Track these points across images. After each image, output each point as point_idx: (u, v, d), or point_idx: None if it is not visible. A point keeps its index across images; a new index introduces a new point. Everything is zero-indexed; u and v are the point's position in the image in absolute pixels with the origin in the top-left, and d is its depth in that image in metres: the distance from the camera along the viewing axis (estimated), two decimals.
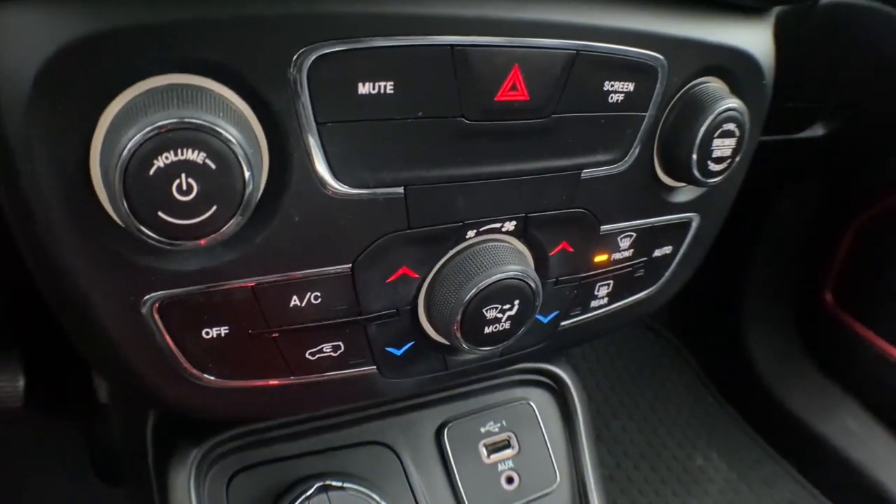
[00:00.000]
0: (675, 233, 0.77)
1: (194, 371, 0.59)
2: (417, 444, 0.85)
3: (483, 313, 0.63)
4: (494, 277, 0.61)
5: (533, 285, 0.64)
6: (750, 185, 0.85)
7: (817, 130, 1.21)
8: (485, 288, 0.61)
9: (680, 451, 1.62)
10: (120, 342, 0.57)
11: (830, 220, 1.55)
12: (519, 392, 0.93)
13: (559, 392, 0.94)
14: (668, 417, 1.67)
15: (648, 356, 1.76)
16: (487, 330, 0.64)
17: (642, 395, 1.69)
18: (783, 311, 1.67)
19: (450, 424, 0.87)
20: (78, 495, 1.36)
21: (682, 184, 0.73)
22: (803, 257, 1.62)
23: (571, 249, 0.69)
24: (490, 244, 0.64)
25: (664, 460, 1.60)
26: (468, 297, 0.61)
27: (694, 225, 0.77)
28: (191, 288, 0.54)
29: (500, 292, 0.62)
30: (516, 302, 0.64)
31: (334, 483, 0.77)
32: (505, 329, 0.65)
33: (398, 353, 0.66)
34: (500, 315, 0.64)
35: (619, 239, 0.72)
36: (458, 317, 0.62)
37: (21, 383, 1.17)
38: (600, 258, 0.72)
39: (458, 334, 0.63)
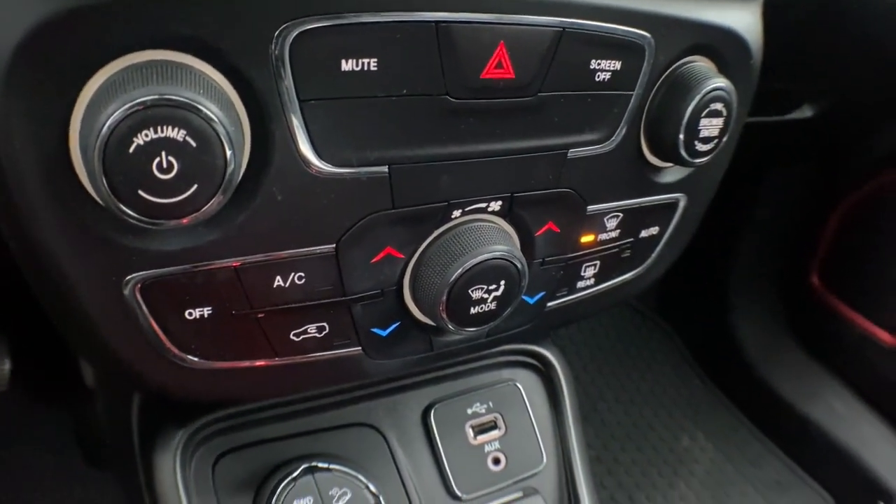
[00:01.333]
0: (661, 213, 0.76)
1: (177, 352, 0.59)
2: (404, 425, 0.85)
3: (468, 294, 0.62)
4: (480, 258, 0.61)
5: (519, 266, 0.64)
6: (738, 167, 0.85)
7: (805, 112, 1.21)
8: (470, 268, 0.61)
9: (666, 433, 1.63)
10: (102, 323, 0.56)
11: (817, 203, 1.55)
12: (505, 373, 0.93)
13: (545, 373, 0.94)
14: (655, 399, 1.68)
15: (635, 338, 1.76)
16: (473, 311, 0.64)
17: (629, 376, 1.69)
18: (770, 293, 1.68)
19: (436, 406, 0.87)
20: (65, 479, 1.35)
21: (669, 164, 0.73)
22: (790, 240, 1.62)
23: (557, 230, 0.68)
24: (475, 224, 0.63)
25: (651, 441, 1.61)
26: (453, 277, 0.61)
27: (681, 205, 0.77)
28: (173, 268, 0.54)
29: (486, 272, 0.62)
30: (502, 282, 0.63)
31: (320, 464, 0.76)
32: (491, 310, 0.65)
33: (384, 333, 0.66)
34: (485, 296, 0.63)
35: (605, 219, 0.72)
36: (444, 297, 0.61)
37: (7, 367, 1.16)
38: (587, 239, 0.72)
39: (444, 315, 0.62)
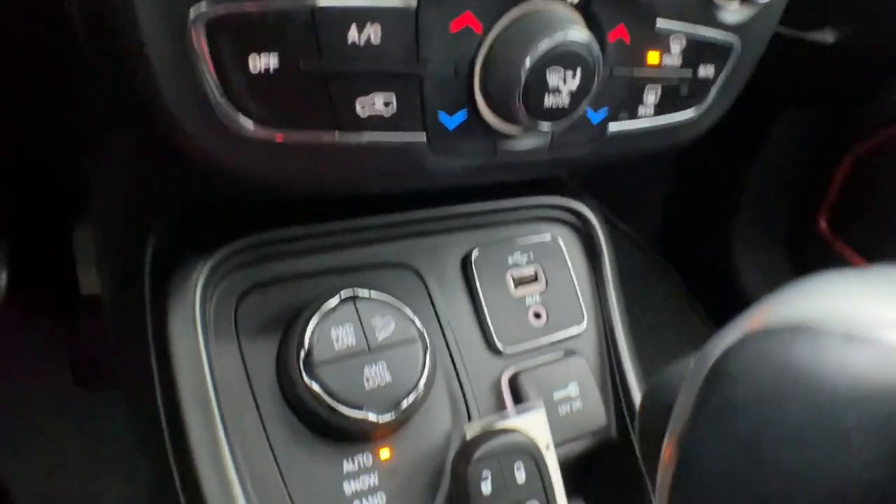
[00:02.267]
0: (719, 53, 0.74)
1: (234, 112, 0.54)
2: (444, 270, 0.81)
3: (545, 79, 0.59)
4: (560, 39, 0.58)
5: (596, 58, 0.61)
6: (752, 103, 0.84)
7: (827, 36, 1.21)
8: (549, 50, 0.58)
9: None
10: (160, 69, 0.52)
11: (829, 147, 1.53)
12: (544, 227, 0.89)
13: (584, 231, 0.91)
14: (656, 336, 1.65)
15: (636, 273, 1.73)
16: (547, 102, 0.60)
17: (629, 311, 1.66)
18: (776, 235, 1.66)
19: (477, 250, 0.83)
20: (55, 397, 1.28)
21: (733, 3, 0.72)
22: (799, 183, 1.61)
23: (627, 40, 0.66)
24: (557, 12, 0.60)
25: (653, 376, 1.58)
26: (532, 58, 0.57)
27: (736, 48, 0.75)
28: (243, 1, 0.50)
29: (566, 57, 0.58)
30: (578, 70, 0.60)
31: (361, 293, 0.72)
32: (563, 106, 0.61)
33: (450, 125, 0.62)
34: (561, 84, 0.60)
35: (671, 40, 0.69)
36: (522, 79, 0.58)
37: (4, 276, 1.11)
38: (652, 58, 0.69)
39: (519, 99, 0.59)
